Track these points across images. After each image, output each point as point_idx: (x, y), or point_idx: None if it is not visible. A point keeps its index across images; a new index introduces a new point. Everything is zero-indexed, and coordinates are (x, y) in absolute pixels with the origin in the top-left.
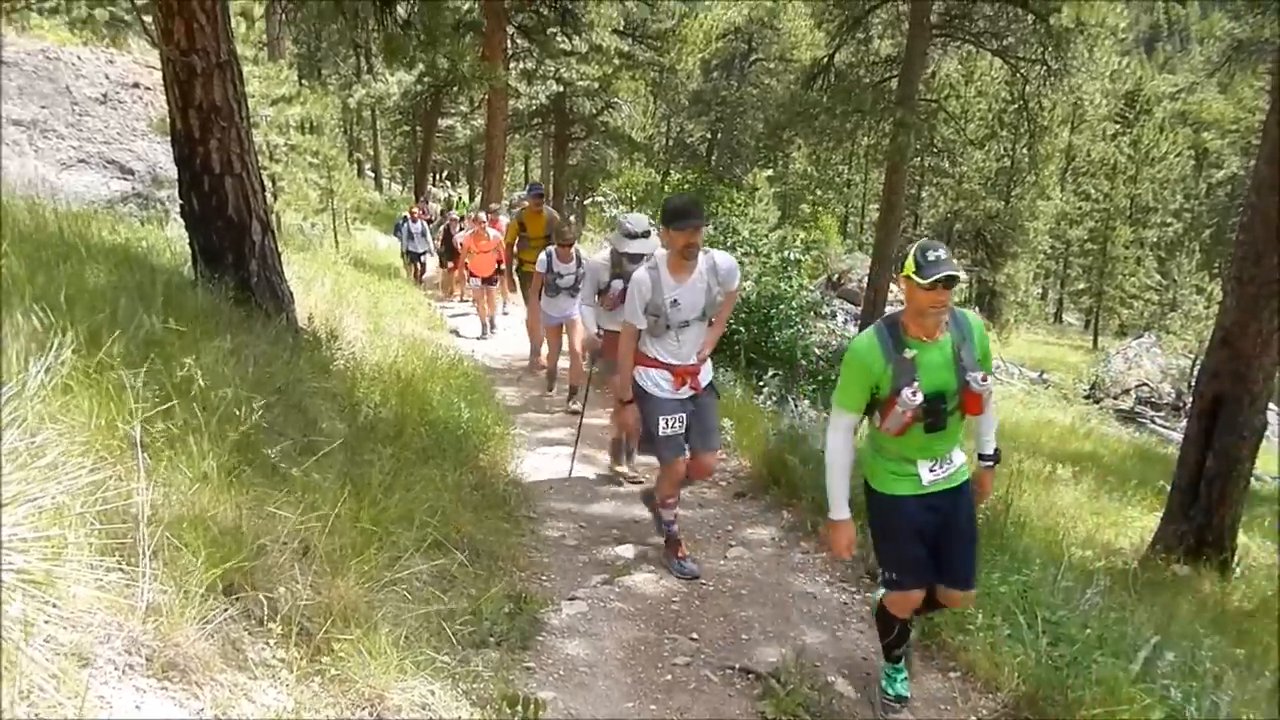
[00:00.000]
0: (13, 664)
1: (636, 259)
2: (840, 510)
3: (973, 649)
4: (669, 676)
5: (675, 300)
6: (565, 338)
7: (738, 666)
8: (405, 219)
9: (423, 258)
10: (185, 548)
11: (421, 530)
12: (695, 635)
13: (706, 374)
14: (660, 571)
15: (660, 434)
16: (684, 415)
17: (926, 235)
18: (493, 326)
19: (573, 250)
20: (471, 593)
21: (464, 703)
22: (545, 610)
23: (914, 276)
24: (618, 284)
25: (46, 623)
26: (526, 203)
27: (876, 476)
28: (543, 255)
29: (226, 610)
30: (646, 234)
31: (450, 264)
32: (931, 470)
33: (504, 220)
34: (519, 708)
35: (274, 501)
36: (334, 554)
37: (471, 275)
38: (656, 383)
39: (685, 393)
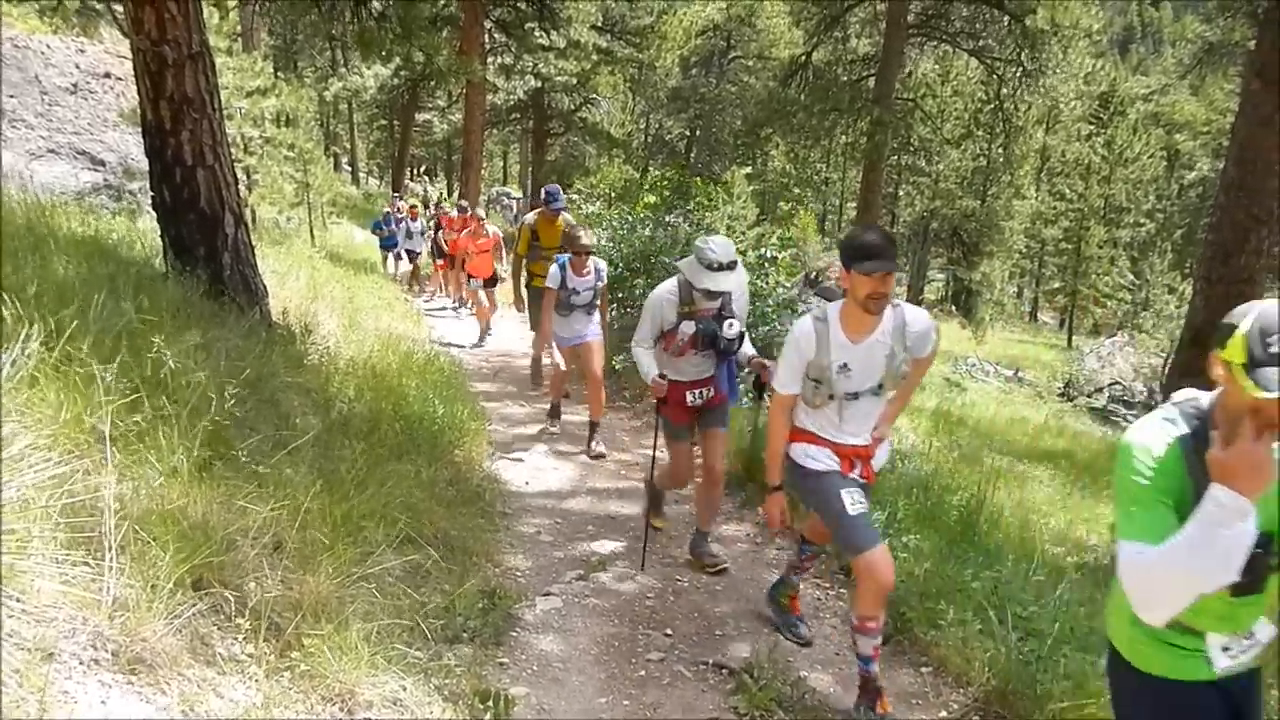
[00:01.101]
0: None
1: (715, 296)
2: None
3: (944, 644)
4: (642, 672)
5: (845, 365)
6: (572, 363)
7: (711, 662)
8: (391, 216)
9: (417, 256)
10: (153, 542)
11: (394, 526)
12: (669, 631)
13: (883, 456)
14: (635, 567)
15: (849, 510)
16: (866, 493)
17: (903, 233)
18: (489, 331)
19: (589, 261)
20: (445, 588)
21: (436, 698)
22: (519, 606)
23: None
24: (688, 327)
25: (10, 617)
26: (540, 210)
27: (1140, 653)
28: (554, 268)
29: (195, 605)
30: (733, 265)
31: (439, 260)
32: (1228, 652)
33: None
34: (491, 703)
35: (244, 496)
36: (305, 549)
37: (470, 276)
38: (822, 460)
39: (856, 480)
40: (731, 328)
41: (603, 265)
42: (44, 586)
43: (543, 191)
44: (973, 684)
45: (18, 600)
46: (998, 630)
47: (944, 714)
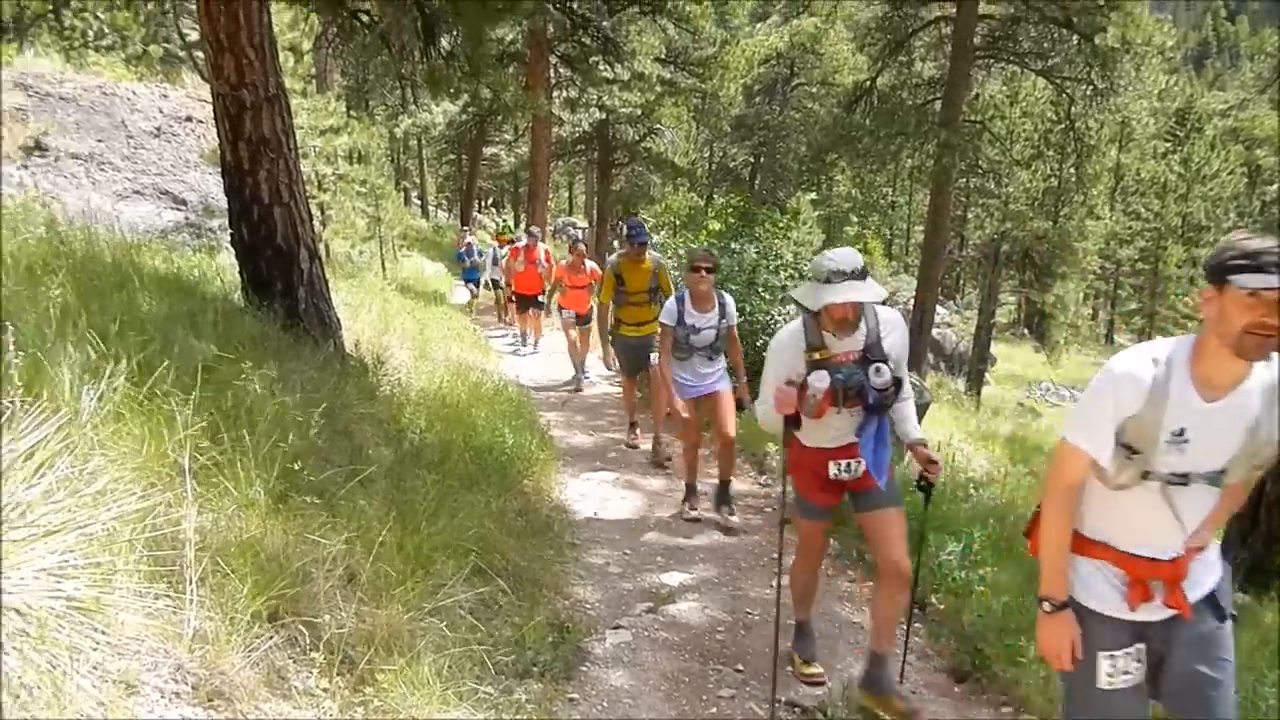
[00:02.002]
0: (60, 691)
1: (849, 327)
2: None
3: (1025, 683)
4: (714, 710)
5: (1182, 432)
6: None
7: (783, 700)
8: (472, 248)
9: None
10: (232, 574)
11: (465, 558)
12: (741, 667)
13: (1206, 575)
14: (705, 600)
15: (1096, 685)
16: (1141, 653)
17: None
18: (585, 374)
19: (712, 292)
20: (515, 621)
21: None
22: (589, 639)
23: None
24: (821, 378)
25: (94, 650)
26: (624, 249)
27: None
28: (671, 302)
29: (271, 638)
30: (862, 274)
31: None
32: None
33: (542, 247)
34: None
35: (319, 527)
36: (378, 581)
37: (563, 309)
38: (1093, 587)
39: (1154, 612)
40: (880, 374)
41: (730, 301)
42: (127, 619)
43: (624, 226)
44: None
45: (102, 633)
46: None
47: None
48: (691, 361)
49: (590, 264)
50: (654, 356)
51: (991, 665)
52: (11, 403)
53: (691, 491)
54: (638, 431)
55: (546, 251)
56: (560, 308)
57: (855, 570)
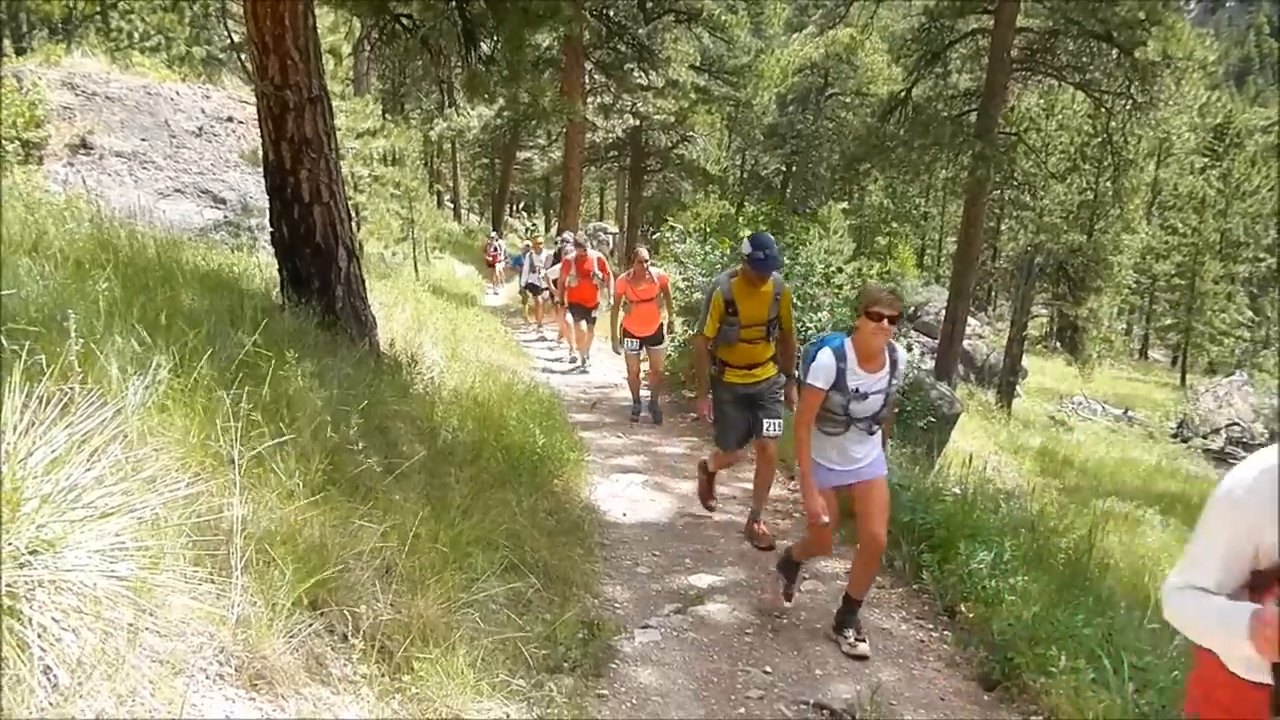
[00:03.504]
0: (116, 666)
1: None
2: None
3: (1055, 692)
4: (742, 710)
5: None
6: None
7: (812, 702)
8: (527, 252)
9: (540, 292)
10: (274, 562)
11: (497, 553)
12: (769, 669)
13: None
14: (733, 602)
15: None
16: None
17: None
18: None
19: (886, 346)
20: (546, 617)
21: None
22: (619, 638)
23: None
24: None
25: (145, 630)
26: (740, 266)
27: None
28: (825, 355)
29: (311, 625)
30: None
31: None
32: None
33: (594, 255)
34: None
35: (357, 519)
36: (414, 573)
37: (628, 335)
38: None
39: None
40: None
41: (902, 355)
42: (175, 602)
43: (745, 243)
44: None
45: (150, 615)
46: (1112, 680)
47: None
48: (844, 438)
49: (656, 270)
50: (770, 424)
51: (1021, 674)
52: (70, 388)
53: (789, 576)
54: (715, 495)
55: (600, 260)
56: (624, 334)
57: (883, 577)
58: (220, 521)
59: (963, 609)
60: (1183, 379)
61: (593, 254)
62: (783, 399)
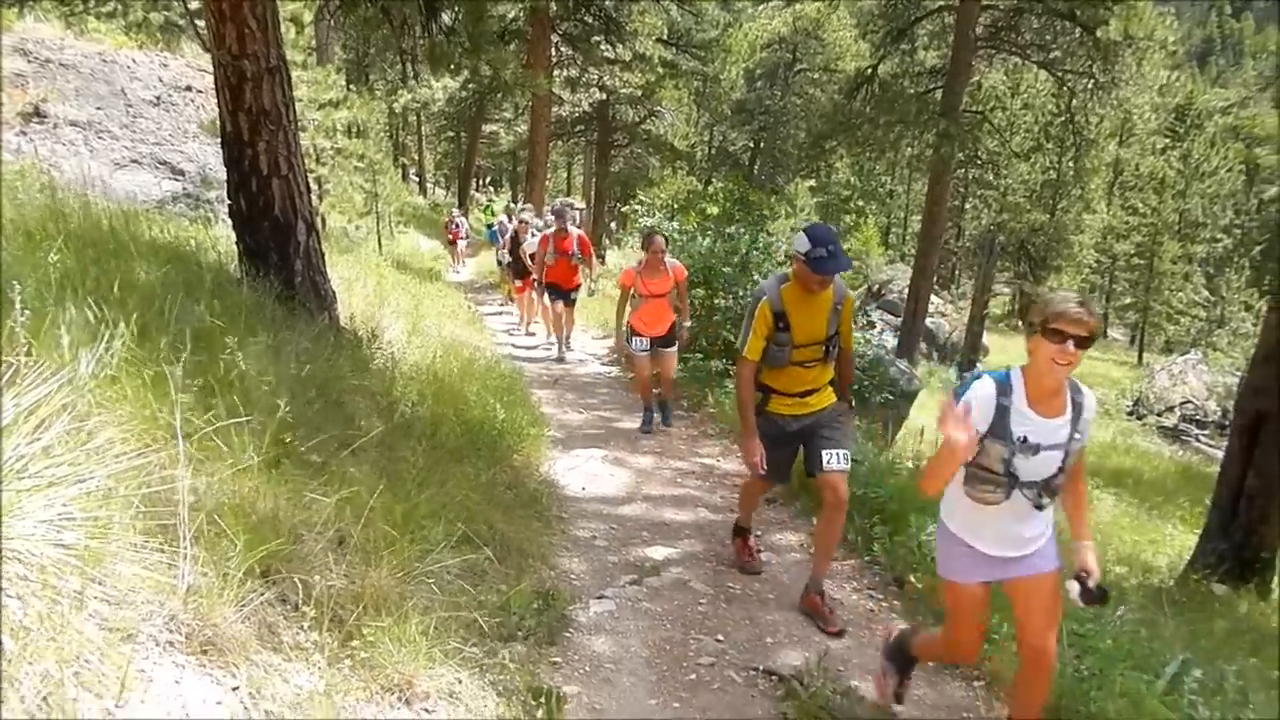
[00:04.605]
0: (61, 632)
1: None
2: None
3: (996, 658)
4: (693, 676)
5: None
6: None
7: (762, 668)
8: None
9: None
10: (225, 533)
11: (452, 525)
12: (721, 637)
13: None
14: (689, 573)
15: None
16: None
17: (969, 247)
18: (662, 415)
19: (1067, 384)
20: (501, 589)
21: (490, 693)
22: (573, 608)
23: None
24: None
25: (94, 599)
26: (792, 269)
27: None
28: (985, 383)
29: (263, 594)
30: None
31: (519, 280)
32: None
33: (575, 233)
34: (543, 700)
35: (311, 492)
36: (367, 545)
37: (635, 333)
38: None
39: None
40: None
41: (1090, 399)
42: (124, 571)
43: (800, 237)
44: None
45: (99, 583)
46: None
47: None
48: (1003, 510)
49: (672, 261)
50: (833, 455)
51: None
52: (16, 359)
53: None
54: (756, 553)
55: (582, 238)
56: (632, 333)
57: (836, 549)
58: (171, 493)
59: (911, 579)
60: (1140, 357)
61: (574, 231)
62: (845, 430)
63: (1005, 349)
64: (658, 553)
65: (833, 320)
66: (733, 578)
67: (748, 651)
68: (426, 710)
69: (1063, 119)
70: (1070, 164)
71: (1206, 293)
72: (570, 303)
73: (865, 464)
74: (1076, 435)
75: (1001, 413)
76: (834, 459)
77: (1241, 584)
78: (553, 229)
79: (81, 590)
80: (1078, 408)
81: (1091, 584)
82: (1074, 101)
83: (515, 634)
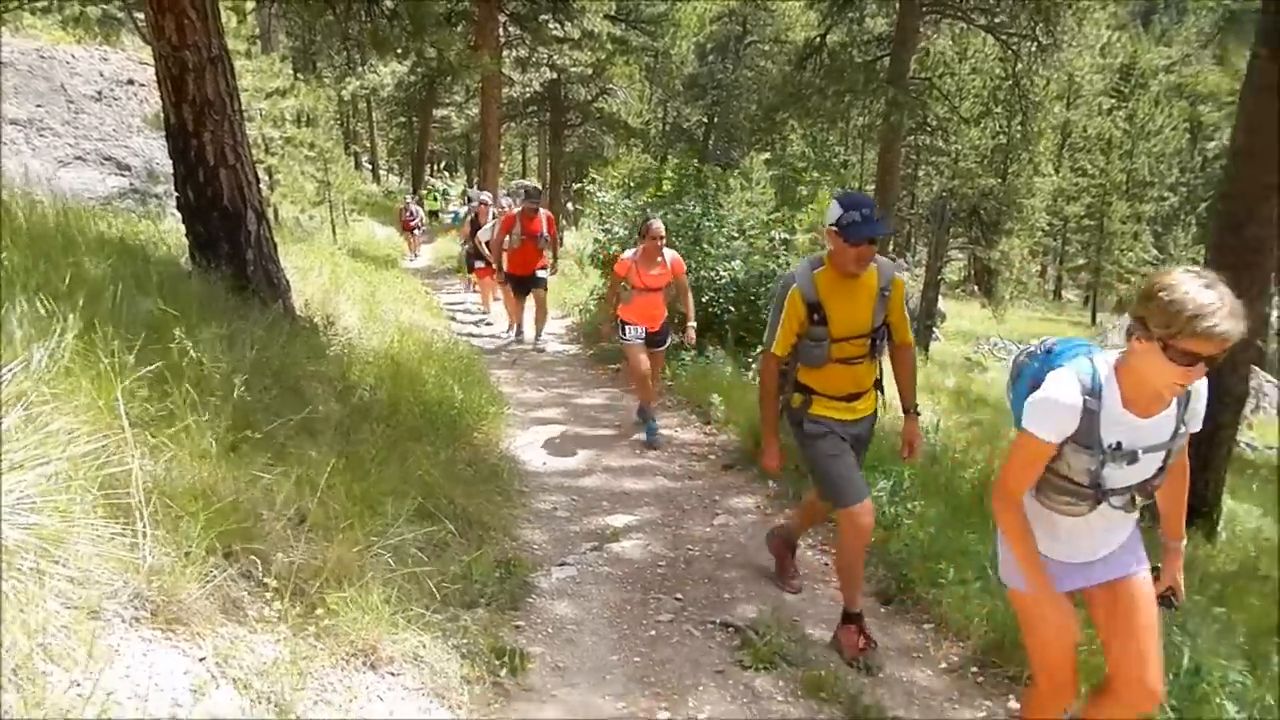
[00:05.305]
0: (28, 608)
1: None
2: None
3: (945, 603)
4: (653, 632)
5: None
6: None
7: (719, 621)
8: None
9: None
10: (185, 514)
11: (412, 501)
12: (679, 595)
13: None
14: (648, 539)
15: None
16: None
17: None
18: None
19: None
20: (462, 559)
21: (454, 655)
22: (535, 575)
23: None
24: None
25: (56, 579)
26: (825, 251)
27: None
28: (1068, 380)
29: (225, 571)
30: None
31: (479, 266)
32: None
33: (544, 214)
34: (506, 659)
35: (269, 473)
36: (328, 521)
37: (625, 324)
38: None
39: None
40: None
41: (1201, 384)
42: (86, 551)
43: (833, 205)
44: (971, 637)
45: (63, 565)
46: (997, 588)
47: (944, 666)
48: (1091, 520)
49: (671, 253)
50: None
51: (914, 587)
52: None
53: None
54: (798, 570)
55: (549, 219)
56: (622, 323)
57: (792, 509)
58: (129, 477)
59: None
60: (1093, 317)
61: (543, 214)
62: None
63: (962, 314)
64: (618, 520)
65: (879, 308)
66: (691, 541)
67: (706, 607)
68: (392, 673)
69: (1010, 83)
70: (1019, 128)
71: (1156, 251)
72: (542, 286)
73: None
74: (1183, 427)
75: (1089, 418)
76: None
77: (1188, 527)
78: (518, 209)
79: (46, 570)
80: (1185, 393)
81: (1177, 602)
82: (1019, 65)
83: (478, 600)
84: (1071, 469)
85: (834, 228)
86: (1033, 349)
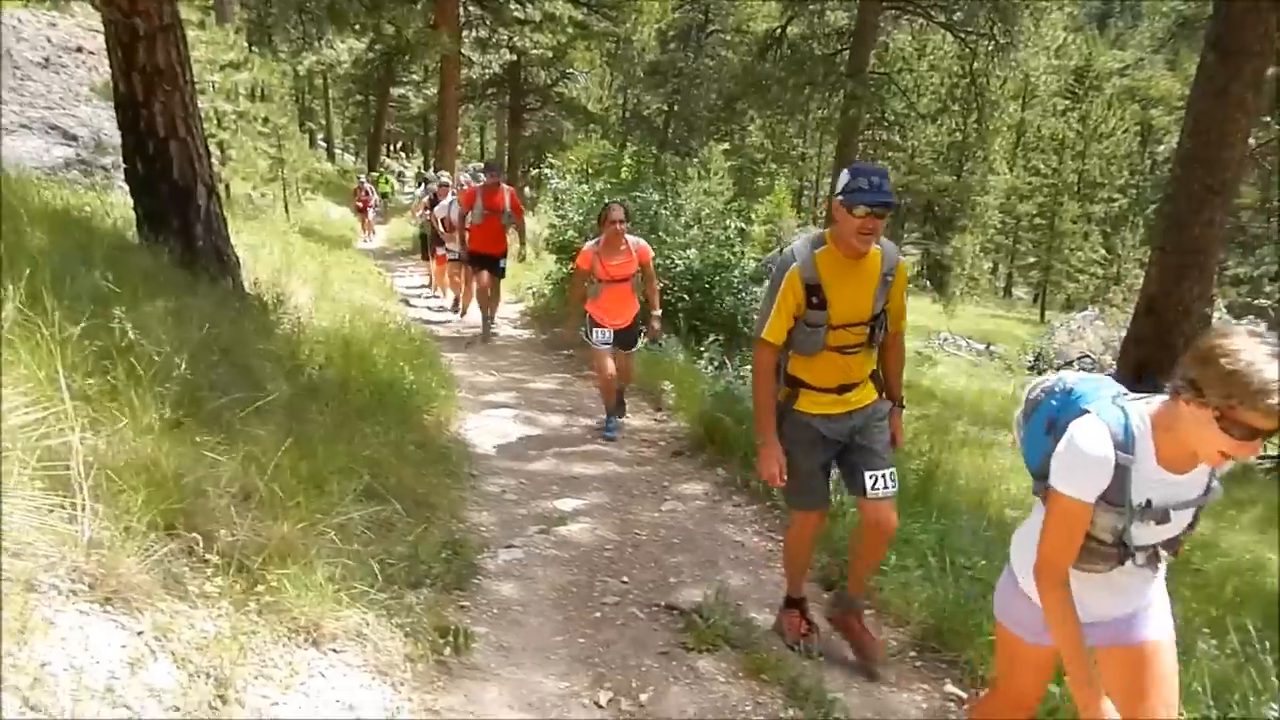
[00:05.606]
0: None
1: None
2: None
3: (886, 589)
4: (598, 614)
5: None
6: None
7: (664, 604)
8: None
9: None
10: (126, 489)
11: (359, 481)
12: (626, 579)
13: None
14: (596, 523)
15: None
16: None
17: None
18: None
19: None
20: (409, 539)
21: (398, 634)
22: (482, 556)
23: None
24: None
25: None
26: (827, 230)
27: None
28: (1099, 436)
29: (166, 546)
30: None
31: (440, 253)
32: None
33: (507, 190)
34: (450, 638)
35: (214, 451)
36: (273, 500)
37: (595, 324)
38: None
39: None
40: None
41: None
42: (22, 523)
43: (844, 174)
44: (911, 623)
45: None
46: (937, 575)
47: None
48: (1112, 578)
49: (635, 240)
50: (877, 477)
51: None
52: None
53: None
54: (813, 628)
55: (513, 194)
56: (591, 323)
57: (740, 495)
58: (69, 450)
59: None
60: (1042, 315)
61: (506, 190)
62: (889, 436)
63: (914, 308)
64: (566, 504)
65: (880, 294)
66: (639, 526)
67: (652, 591)
68: (334, 650)
69: (967, 81)
70: (975, 126)
71: (1104, 251)
72: (498, 273)
73: None
74: (1215, 482)
75: (1120, 474)
76: (880, 482)
77: None
78: (481, 183)
79: None
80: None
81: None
82: (976, 63)
83: (423, 580)
84: (1096, 526)
85: (839, 196)
86: (1050, 384)
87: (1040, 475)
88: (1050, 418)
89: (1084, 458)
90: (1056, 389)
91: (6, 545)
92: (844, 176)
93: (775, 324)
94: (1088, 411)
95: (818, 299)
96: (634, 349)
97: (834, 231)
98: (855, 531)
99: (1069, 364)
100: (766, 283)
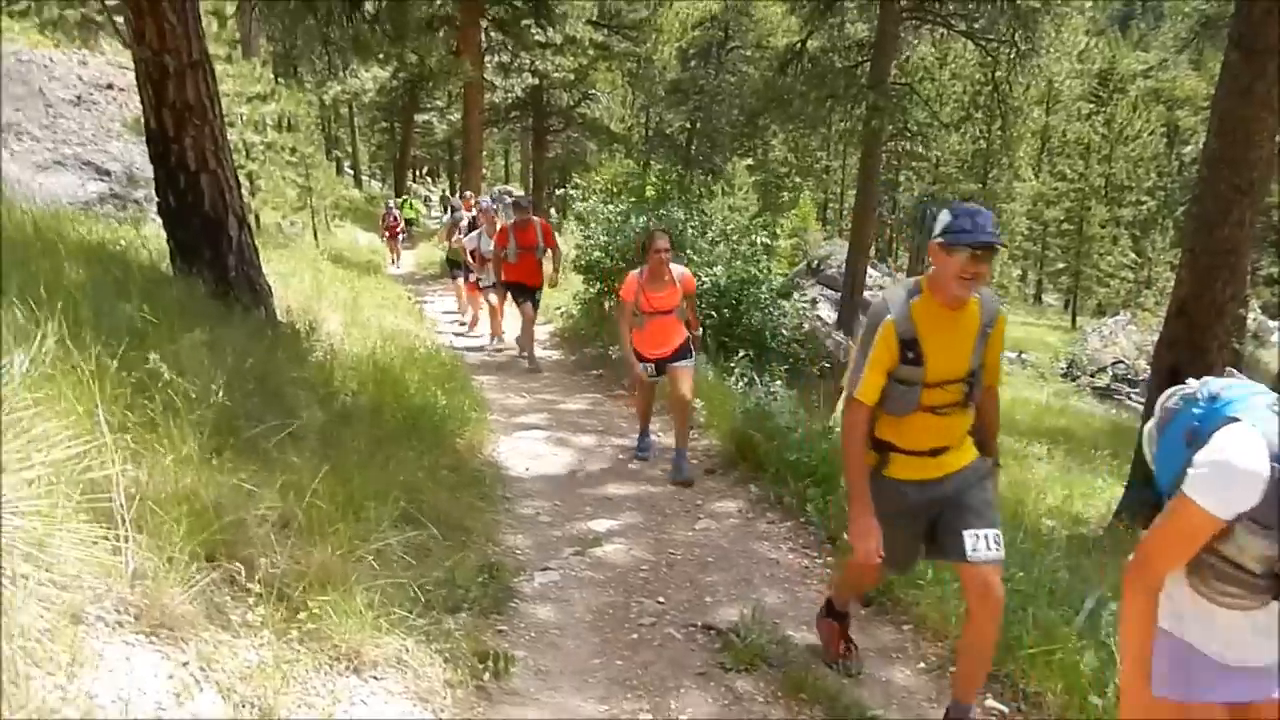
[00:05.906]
0: (8, 614)
1: None
2: None
3: (923, 603)
4: (635, 635)
5: None
6: None
7: (700, 624)
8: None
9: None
10: (167, 520)
11: (395, 506)
12: (662, 599)
13: None
14: (631, 543)
15: None
16: None
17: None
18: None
19: None
20: (445, 564)
21: (437, 659)
22: (518, 579)
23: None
24: None
25: (40, 585)
26: (922, 276)
27: None
28: (1254, 447)
29: (209, 576)
30: None
31: (471, 281)
32: None
33: (537, 223)
34: (490, 663)
35: (252, 480)
36: (310, 526)
37: (642, 358)
38: None
39: None
40: None
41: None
42: (69, 555)
43: (943, 214)
44: (949, 637)
45: (46, 570)
46: None
47: (922, 665)
48: (1257, 617)
49: (679, 270)
50: (981, 539)
51: (894, 589)
52: None
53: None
54: (852, 648)
55: (545, 226)
56: (638, 355)
57: (773, 513)
58: (111, 482)
59: (844, 537)
60: (1073, 321)
61: (536, 222)
62: (990, 496)
63: None
64: (600, 525)
65: (978, 349)
66: (674, 545)
67: (688, 611)
68: (375, 677)
69: (989, 88)
70: (999, 133)
71: (1134, 255)
72: (535, 303)
73: (799, 430)
74: None
75: (1274, 492)
76: (982, 543)
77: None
78: (509, 222)
79: (29, 575)
80: None
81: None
82: (998, 71)
83: (461, 605)
84: (1244, 553)
85: (938, 239)
86: (1189, 391)
87: (1172, 496)
88: (1191, 428)
89: (1231, 470)
90: (1199, 396)
91: (55, 577)
92: (943, 217)
93: (869, 382)
94: (1237, 420)
95: (913, 354)
96: (686, 361)
97: (931, 278)
98: (965, 616)
99: (1102, 369)
100: (859, 333)
